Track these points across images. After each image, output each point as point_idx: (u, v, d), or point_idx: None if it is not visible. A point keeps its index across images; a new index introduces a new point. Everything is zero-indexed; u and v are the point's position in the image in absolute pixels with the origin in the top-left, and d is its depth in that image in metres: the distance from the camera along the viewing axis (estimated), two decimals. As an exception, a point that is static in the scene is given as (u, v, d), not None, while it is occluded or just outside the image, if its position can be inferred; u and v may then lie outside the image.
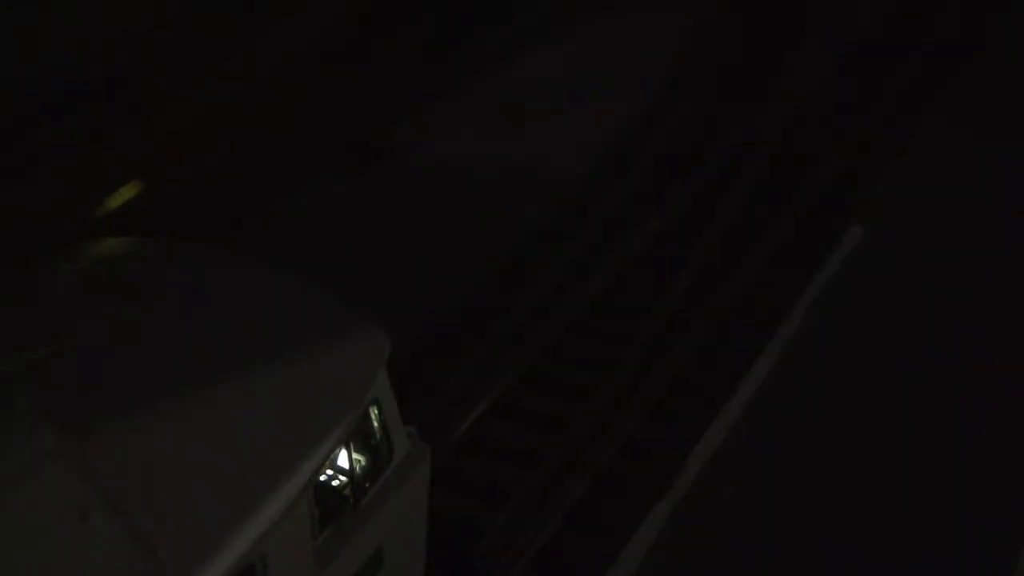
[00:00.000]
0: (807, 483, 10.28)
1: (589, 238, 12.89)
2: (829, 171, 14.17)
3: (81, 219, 12.69)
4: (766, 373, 11.41)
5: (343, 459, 6.76)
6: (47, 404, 5.65)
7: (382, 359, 6.77)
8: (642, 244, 12.78)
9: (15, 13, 13.06)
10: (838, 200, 13.90)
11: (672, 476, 10.25)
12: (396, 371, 7.28)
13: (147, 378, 6.00)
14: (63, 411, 5.65)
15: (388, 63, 15.78)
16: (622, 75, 15.91)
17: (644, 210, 13.33)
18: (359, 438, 6.74)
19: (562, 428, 10.46)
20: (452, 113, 15.11)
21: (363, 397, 6.55)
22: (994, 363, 11.67)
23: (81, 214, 12.76)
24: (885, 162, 14.65)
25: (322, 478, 6.71)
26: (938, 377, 11.46)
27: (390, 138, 14.51)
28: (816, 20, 17.62)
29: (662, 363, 11.16)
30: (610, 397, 10.78)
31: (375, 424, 6.79)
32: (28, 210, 12.47)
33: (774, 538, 9.75)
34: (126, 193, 13.08)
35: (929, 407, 11.12)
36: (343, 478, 6.81)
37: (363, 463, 6.78)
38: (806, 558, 9.60)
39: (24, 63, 13.24)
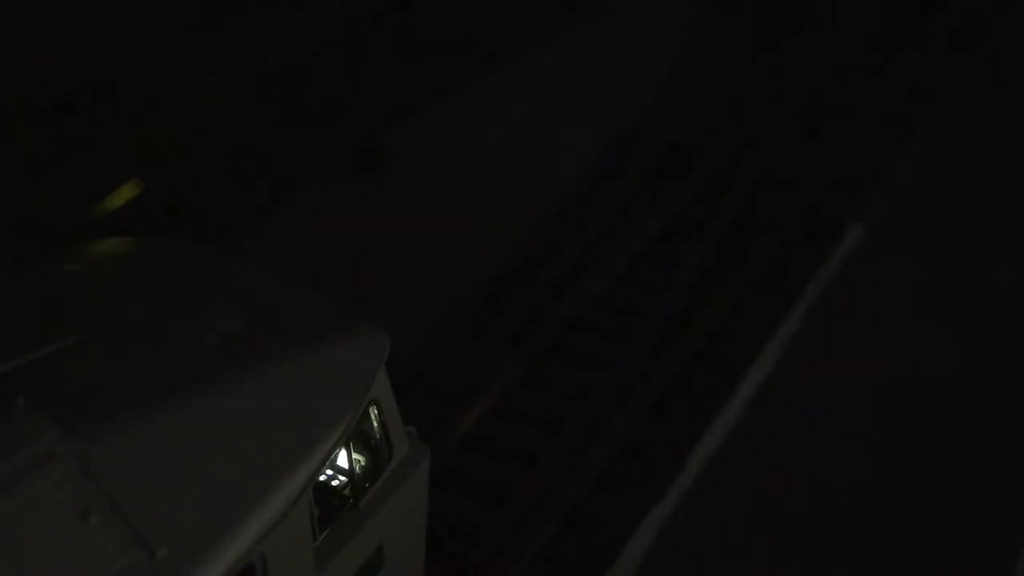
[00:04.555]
0: (807, 483, 10.28)
1: (589, 236, 12.90)
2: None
3: (81, 219, 12.70)
4: (766, 373, 11.42)
5: (343, 459, 6.76)
6: (47, 404, 5.65)
7: (382, 359, 6.77)
8: (641, 244, 12.81)
9: (15, 13, 13.07)
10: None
11: (672, 475, 10.27)
12: (397, 371, 7.27)
13: (147, 378, 6.00)
14: (63, 411, 5.65)
15: (390, 64, 15.78)
16: (621, 75, 15.91)
17: (643, 208, 13.36)
18: (359, 438, 6.74)
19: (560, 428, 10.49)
20: (454, 114, 15.11)
21: (363, 397, 6.56)
22: (994, 362, 11.67)
23: (81, 214, 12.77)
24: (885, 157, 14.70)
25: (322, 478, 6.72)
26: (938, 376, 11.47)
27: (393, 139, 14.51)
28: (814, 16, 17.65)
29: (662, 362, 11.19)
30: (608, 398, 10.80)
31: (375, 424, 6.79)
32: (28, 210, 12.49)
33: (774, 538, 9.76)
34: (126, 193, 13.08)
35: (929, 406, 11.12)
36: (343, 478, 6.82)
37: (363, 463, 6.78)
38: (806, 558, 9.60)
39: (23, 63, 13.24)
